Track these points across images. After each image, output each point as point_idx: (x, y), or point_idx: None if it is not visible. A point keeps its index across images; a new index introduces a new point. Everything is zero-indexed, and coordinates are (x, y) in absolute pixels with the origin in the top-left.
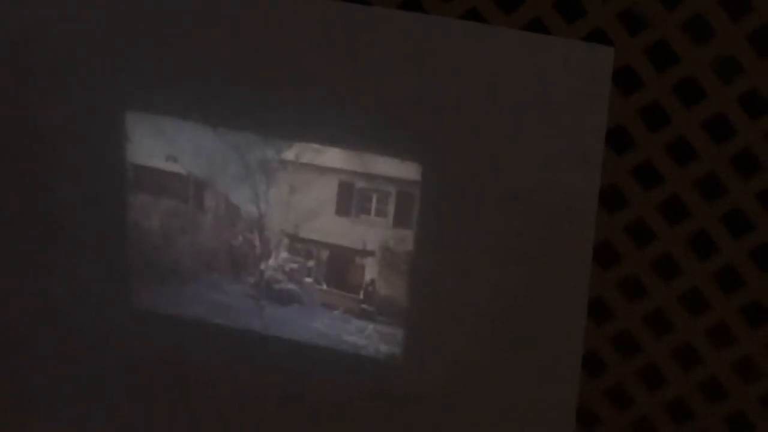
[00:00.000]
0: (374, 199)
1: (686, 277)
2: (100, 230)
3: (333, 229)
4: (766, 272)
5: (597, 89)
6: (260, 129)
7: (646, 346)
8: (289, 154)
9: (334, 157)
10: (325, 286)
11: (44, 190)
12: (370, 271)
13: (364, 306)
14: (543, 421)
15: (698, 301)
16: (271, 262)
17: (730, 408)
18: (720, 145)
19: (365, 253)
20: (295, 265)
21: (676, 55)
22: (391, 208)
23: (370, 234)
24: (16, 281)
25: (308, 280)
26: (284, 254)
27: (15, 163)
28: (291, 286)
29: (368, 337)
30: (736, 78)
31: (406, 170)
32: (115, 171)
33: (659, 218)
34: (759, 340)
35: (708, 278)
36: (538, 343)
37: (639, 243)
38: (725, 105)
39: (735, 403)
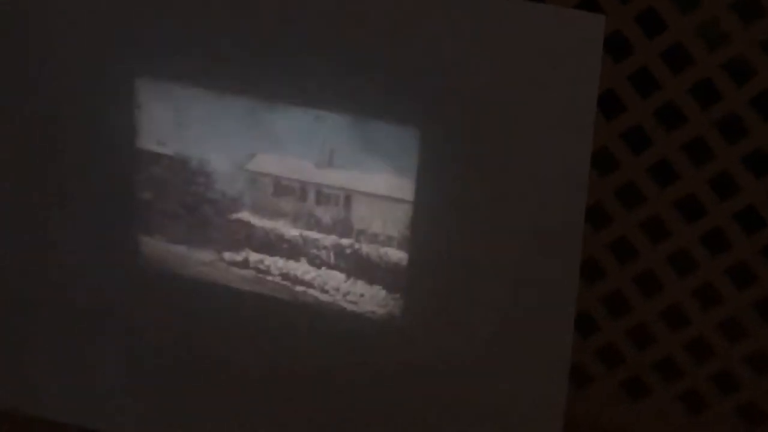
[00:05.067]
0: None
1: (675, 238)
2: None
3: None
4: (751, 234)
5: (588, 56)
6: None
7: (636, 307)
8: None
9: None
10: None
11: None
12: None
13: None
14: (537, 379)
15: (686, 262)
16: None
17: (716, 366)
18: (706, 109)
19: None
20: None
21: (664, 23)
22: None
23: None
24: (27, 240)
25: None
26: None
27: (28, 127)
28: None
29: None
30: (721, 45)
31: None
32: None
33: (648, 181)
34: (744, 299)
35: (696, 240)
36: (532, 304)
37: (629, 205)
38: (711, 71)
39: (721, 361)
